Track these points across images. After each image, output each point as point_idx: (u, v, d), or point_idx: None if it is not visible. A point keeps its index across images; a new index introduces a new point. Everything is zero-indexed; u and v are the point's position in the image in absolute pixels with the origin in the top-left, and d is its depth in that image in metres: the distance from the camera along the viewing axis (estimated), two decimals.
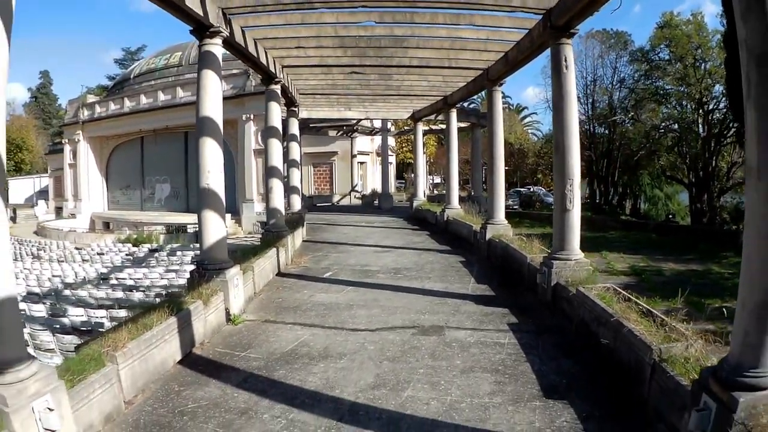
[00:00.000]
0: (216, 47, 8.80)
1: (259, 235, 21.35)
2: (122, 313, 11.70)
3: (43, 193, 57.24)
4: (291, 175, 19.27)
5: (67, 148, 45.89)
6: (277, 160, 14.30)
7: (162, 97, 39.60)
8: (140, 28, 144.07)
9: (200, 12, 7.97)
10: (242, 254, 10.92)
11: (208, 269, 8.57)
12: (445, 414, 5.12)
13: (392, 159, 47.86)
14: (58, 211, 48.52)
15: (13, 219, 46.16)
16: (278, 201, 14.38)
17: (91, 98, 48.43)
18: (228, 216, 14.23)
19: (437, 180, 68.08)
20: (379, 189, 37.76)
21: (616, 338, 5.78)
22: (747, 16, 3.56)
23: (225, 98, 10.46)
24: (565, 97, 8.67)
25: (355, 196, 41.42)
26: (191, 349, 6.98)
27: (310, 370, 6.34)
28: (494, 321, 8.17)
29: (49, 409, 4.19)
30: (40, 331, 10.72)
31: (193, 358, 6.85)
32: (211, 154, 8.65)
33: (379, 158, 40.21)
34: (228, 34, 9.08)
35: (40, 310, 12.78)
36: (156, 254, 25.69)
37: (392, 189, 40.55)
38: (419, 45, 12.21)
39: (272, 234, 13.58)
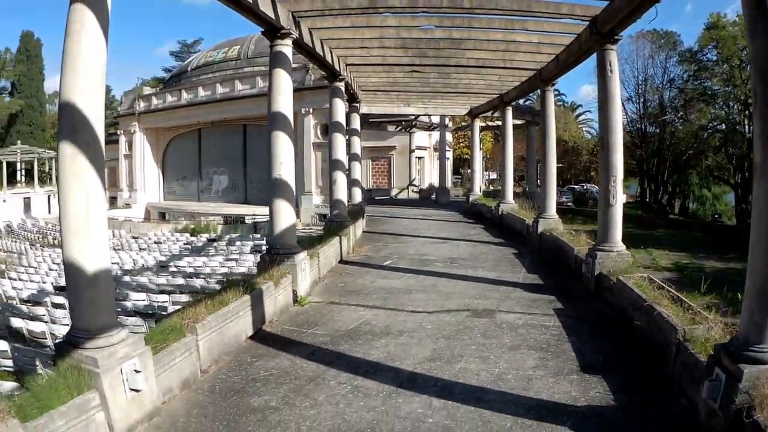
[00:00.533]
0: (287, 48, 9.39)
1: (318, 228, 22.09)
2: (184, 298, 12.32)
3: None
4: (352, 169, 19.69)
5: (123, 139, 46.75)
6: (341, 153, 14.83)
7: (220, 89, 39.88)
8: (192, 23, 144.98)
9: (272, 15, 8.60)
10: (308, 242, 11.62)
11: (279, 253, 9.23)
12: (493, 383, 5.70)
13: (449, 154, 47.55)
14: (112, 200, 48.72)
15: None
16: (341, 193, 14.90)
17: (147, 90, 49.28)
18: None
19: (493, 176, 67.31)
20: (436, 183, 38.02)
21: (648, 321, 6.26)
22: (753, 34, 4.11)
23: None
24: (610, 99, 9.09)
25: (412, 191, 41.51)
26: (261, 326, 7.56)
27: (372, 345, 6.94)
28: (541, 306, 8.67)
29: (135, 371, 4.63)
30: None
31: (263, 333, 7.45)
32: (283, 147, 9.25)
33: (437, 153, 40.18)
34: (297, 36, 9.69)
35: None
36: (215, 244, 26.11)
37: (449, 184, 40.61)
38: (476, 47, 12.70)
39: (335, 224, 14.11)
